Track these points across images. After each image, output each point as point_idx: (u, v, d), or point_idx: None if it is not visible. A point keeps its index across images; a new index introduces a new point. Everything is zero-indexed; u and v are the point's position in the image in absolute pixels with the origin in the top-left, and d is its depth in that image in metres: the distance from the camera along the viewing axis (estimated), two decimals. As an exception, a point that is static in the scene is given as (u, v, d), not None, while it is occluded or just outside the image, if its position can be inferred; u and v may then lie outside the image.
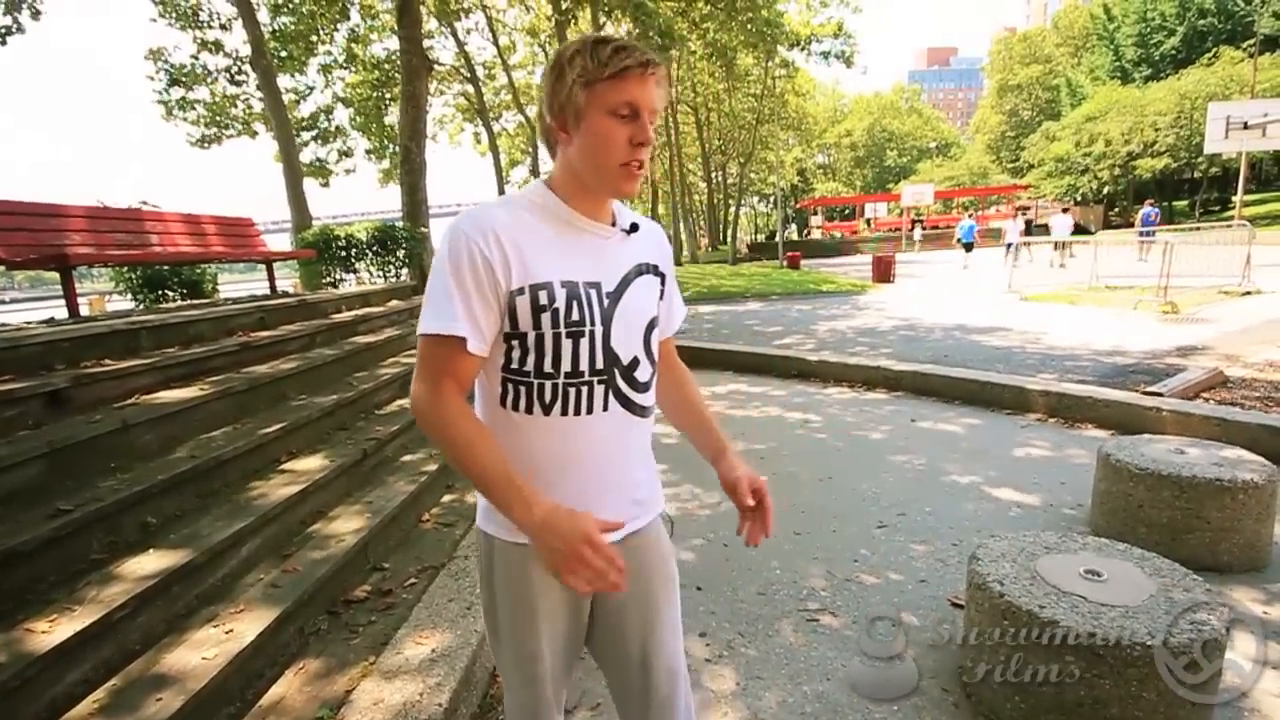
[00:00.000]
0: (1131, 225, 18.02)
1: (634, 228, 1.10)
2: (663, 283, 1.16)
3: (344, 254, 7.16)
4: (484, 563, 1.12)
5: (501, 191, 23.37)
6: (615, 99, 0.94)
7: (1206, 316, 8.08)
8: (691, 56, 24.67)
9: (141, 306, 5.54)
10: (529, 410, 1.02)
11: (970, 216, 20.39)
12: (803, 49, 24.60)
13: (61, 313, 4.35)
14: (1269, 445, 3.15)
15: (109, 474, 2.27)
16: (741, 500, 1.14)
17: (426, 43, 15.38)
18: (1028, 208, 41.37)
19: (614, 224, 1.08)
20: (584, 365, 1.01)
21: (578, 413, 1.02)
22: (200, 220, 5.20)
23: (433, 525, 2.88)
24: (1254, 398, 4.43)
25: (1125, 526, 2.55)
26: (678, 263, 30.99)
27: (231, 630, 1.85)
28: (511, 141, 27.80)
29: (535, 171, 26.03)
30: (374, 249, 7.34)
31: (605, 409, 1.04)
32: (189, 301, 5.30)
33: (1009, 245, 14.76)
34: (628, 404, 1.06)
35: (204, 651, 1.74)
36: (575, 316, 0.99)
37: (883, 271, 15.97)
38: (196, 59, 11.98)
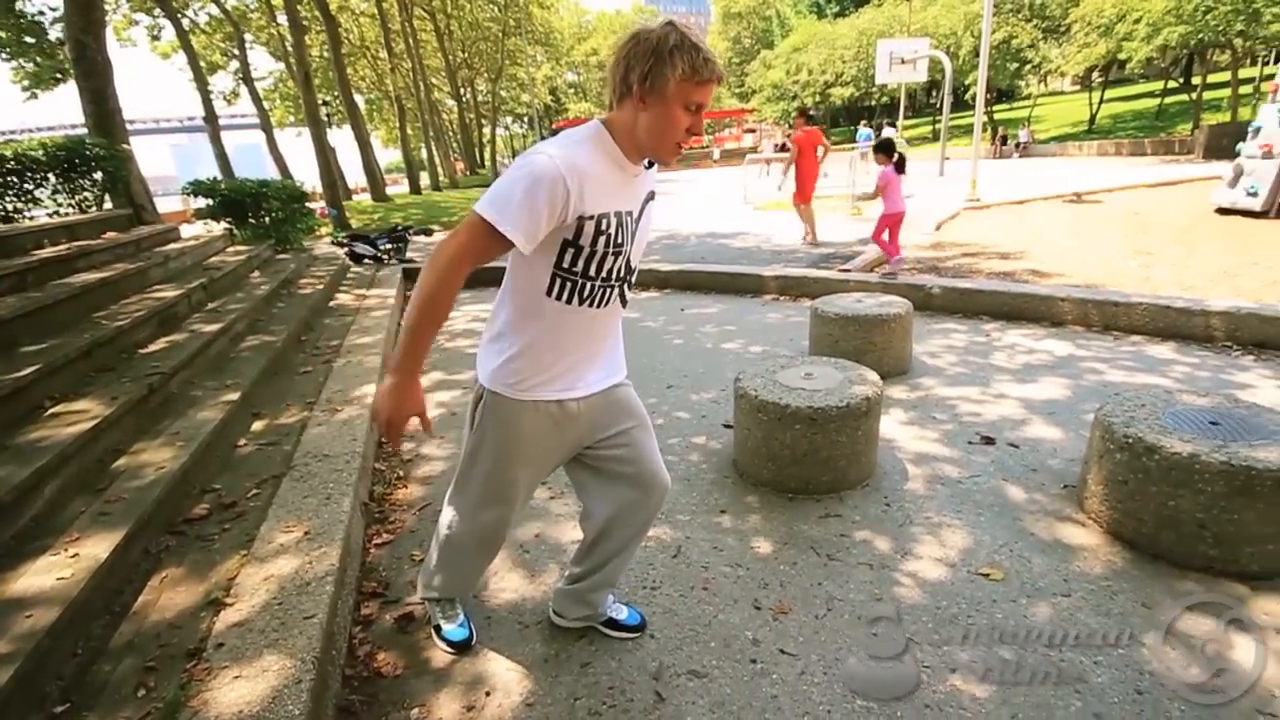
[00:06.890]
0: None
1: (649, 164, 1.35)
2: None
3: (14, 178, 5.67)
4: (481, 410, 1.44)
5: (206, 102, 19.51)
6: (692, 97, 1.21)
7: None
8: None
9: None
10: (568, 301, 1.32)
11: (866, 127, 23.53)
12: (544, -43, 23.86)
13: None
14: (911, 295, 4.52)
15: None
16: None
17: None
18: (753, 130, 46.27)
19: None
20: (613, 273, 1.33)
21: (598, 306, 1.36)
22: None
23: (254, 447, 2.83)
24: (904, 268, 6.12)
25: (831, 353, 3.56)
26: (435, 188, 29.15)
27: (77, 555, 1.81)
28: (208, 40, 22.74)
29: (248, 79, 21.95)
30: (58, 171, 5.92)
31: (610, 303, 1.38)
32: None
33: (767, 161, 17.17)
34: (623, 300, 1.43)
35: (58, 574, 1.71)
36: (619, 240, 1.30)
37: (640, 189, 17.11)
38: None
